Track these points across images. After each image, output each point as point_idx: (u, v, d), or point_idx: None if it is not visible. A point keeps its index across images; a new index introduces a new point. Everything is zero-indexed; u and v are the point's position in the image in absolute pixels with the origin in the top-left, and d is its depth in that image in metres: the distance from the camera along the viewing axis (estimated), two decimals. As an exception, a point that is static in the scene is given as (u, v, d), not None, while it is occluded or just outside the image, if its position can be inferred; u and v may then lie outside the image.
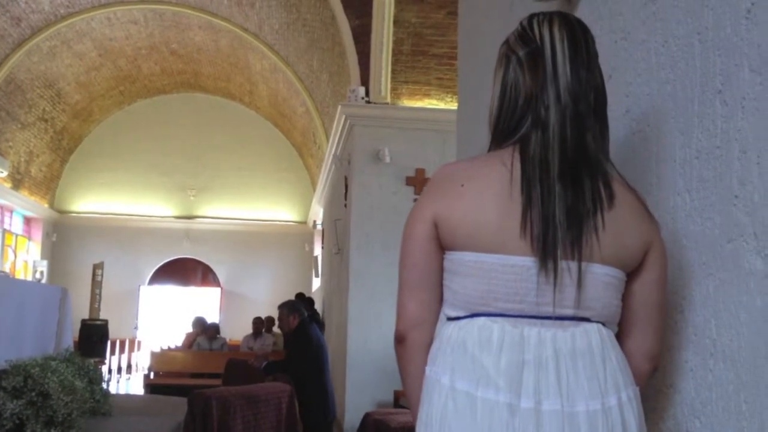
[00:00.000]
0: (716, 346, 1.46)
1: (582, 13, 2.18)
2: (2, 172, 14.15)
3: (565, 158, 1.40)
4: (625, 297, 1.50)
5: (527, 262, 1.39)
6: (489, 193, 1.43)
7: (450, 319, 1.48)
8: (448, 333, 1.46)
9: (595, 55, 1.50)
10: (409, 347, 1.52)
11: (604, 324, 1.45)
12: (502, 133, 1.51)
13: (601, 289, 1.42)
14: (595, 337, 1.41)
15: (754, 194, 1.37)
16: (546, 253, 1.38)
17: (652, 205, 1.59)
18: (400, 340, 1.53)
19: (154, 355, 11.34)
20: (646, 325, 1.52)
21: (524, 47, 1.48)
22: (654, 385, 1.63)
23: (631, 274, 1.49)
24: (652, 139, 1.75)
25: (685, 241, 1.59)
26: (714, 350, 1.47)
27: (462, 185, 1.46)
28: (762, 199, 1.35)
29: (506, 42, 1.55)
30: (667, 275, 1.54)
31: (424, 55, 9.41)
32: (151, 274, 18.13)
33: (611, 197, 1.43)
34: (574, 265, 1.39)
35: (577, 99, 1.43)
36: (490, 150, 1.54)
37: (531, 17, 1.52)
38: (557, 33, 1.46)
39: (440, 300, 1.51)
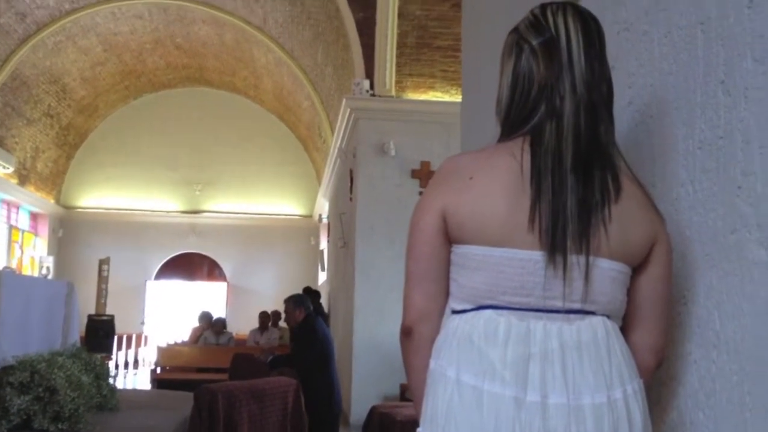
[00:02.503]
0: (720, 337, 1.46)
1: (585, 3, 2.17)
2: (8, 168, 14.18)
3: (578, 149, 1.40)
4: (631, 291, 1.49)
5: (535, 256, 1.38)
6: (498, 186, 1.42)
7: (455, 312, 1.47)
8: (453, 326, 1.44)
9: (605, 48, 1.49)
10: (416, 340, 1.51)
11: (608, 317, 1.44)
12: (512, 123, 1.50)
13: (607, 283, 1.42)
14: (601, 329, 1.40)
15: (757, 185, 1.36)
16: (555, 247, 1.37)
17: (655, 196, 1.58)
18: (406, 333, 1.52)
19: (160, 350, 11.37)
20: (651, 320, 1.51)
21: (538, 36, 1.47)
22: (658, 377, 1.63)
23: (637, 268, 1.49)
24: (655, 130, 1.74)
25: (688, 232, 1.58)
26: (717, 342, 1.46)
27: (471, 178, 1.44)
28: (765, 189, 1.34)
29: (516, 30, 1.53)
30: (672, 270, 1.53)
31: (429, 48, 9.38)
32: (157, 268, 18.16)
33: (618, 190, 1.42)
34: (582, 259, 1.38)
35: (591, 90, 1.43)
36: (500, 140, 1.52)
37: (543, 6, 1.51)
38: (572, 24, 1.45)
39: (447, 293, 1.49)
